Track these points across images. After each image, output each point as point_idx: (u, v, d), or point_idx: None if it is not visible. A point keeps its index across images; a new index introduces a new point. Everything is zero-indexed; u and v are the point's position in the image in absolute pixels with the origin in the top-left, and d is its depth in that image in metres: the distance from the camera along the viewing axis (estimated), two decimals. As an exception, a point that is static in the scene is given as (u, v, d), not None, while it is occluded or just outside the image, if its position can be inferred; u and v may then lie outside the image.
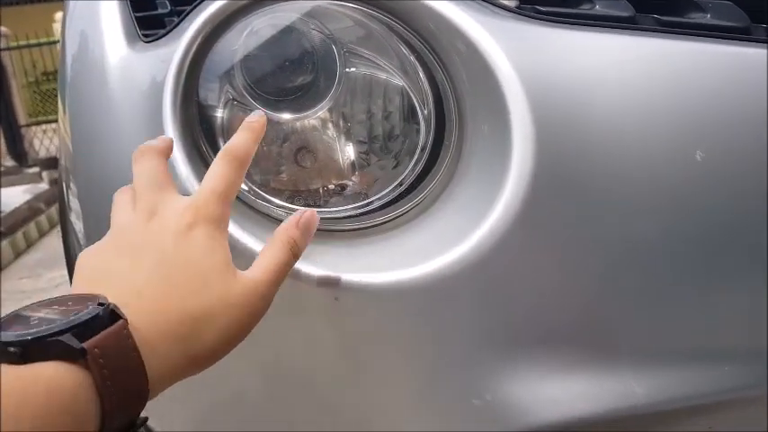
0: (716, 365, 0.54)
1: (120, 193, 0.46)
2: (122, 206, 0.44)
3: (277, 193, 0.54)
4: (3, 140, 5.86)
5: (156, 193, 0.43)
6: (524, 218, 0.49)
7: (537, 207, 0.49)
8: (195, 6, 0.55)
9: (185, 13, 0.56)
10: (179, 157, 0.52)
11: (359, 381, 0.54)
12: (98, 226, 0.60)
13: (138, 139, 0.54)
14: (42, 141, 5.94)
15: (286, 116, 0.55)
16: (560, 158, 0.49)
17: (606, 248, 0.51)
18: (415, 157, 0.55)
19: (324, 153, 0.56)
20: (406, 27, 0.54)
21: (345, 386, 0.54)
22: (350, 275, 0.49)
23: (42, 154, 5.79)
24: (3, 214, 3.65)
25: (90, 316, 0.33)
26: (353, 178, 0.56)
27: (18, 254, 3.36)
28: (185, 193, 0.48)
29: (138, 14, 0.60)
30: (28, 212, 3.79)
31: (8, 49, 6.09)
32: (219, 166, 0.44)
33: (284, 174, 0.55)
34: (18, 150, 5.79)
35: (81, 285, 0.39)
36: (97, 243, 0.43)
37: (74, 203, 0.64)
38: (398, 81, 0.55)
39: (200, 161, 0.54)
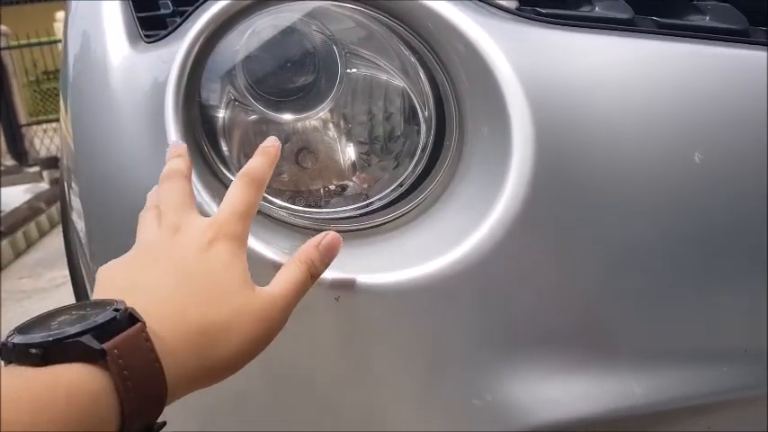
0: (715, 366, 0.54)
1: (146, 211, 0.48)
2: (147, 224, 0.46)
3: (278, 193, 0.54)
4: (3, 140, 5.85)
5: (180, 211, 0.45)
6: (524, 218, 0.49)
7: (537, 208, 0.49)
8: (197, 7, 0.55)
9: (187, 14, 0.56)
10: (180, 157, 0.53)
11: (359, 380, 0.54)
12: (100, 225, 0.60)
13: (141, 139, 0.55)
14: (43, 141, 5.93)
15: (287, 117, 0.55)
16: (560, 159, 0.49)
17: (606, 249, 0.51)
18: (416, 157, 0.55)
19: (325, 154, 0.56)
20: (406, 28, 0.54)
21: (346, 386, 0.55)
22: (350, 275, 0.50)
23: (43, 153, 5.79)
24: (3, 214, 3.65)
25: (108, 318, 0.34)
26: (354, 179, 0.57)
27: (18, 253, 3.36)
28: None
29: (140, 15, 0.60)
30: (28, 212, 3.79)
31: (9, 48, 6.08)
32: (238, 188, 0.46)
33: (285, 174, 0.55)
34: (18, 150, 5.79)
35: (103, 294, 0.40)
36: (120, 257, 0.44)
37: (75, 203, 0.64)
38: (399, 82, 0.55)
39: (202, 161, 0.54)
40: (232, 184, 0.46)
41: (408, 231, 0.54)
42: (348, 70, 0.55)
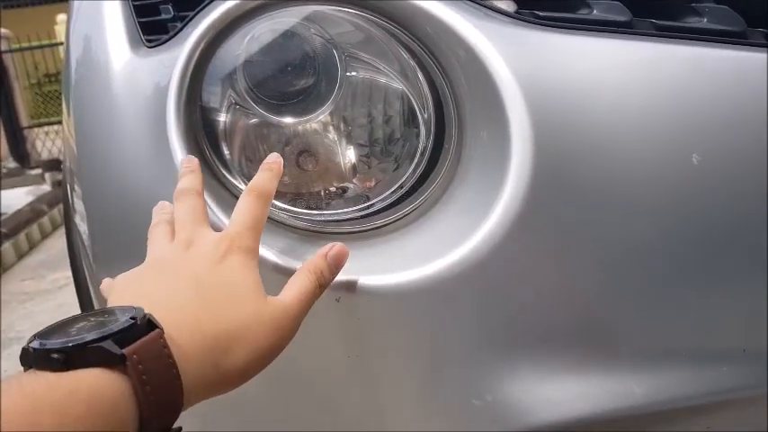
0: (715, 366, 0.54)
1: (155, 226, 0.49)
2: (159, 239, 0.48)
3: (279, 195, 0.55)
4: (5, 142, 5.86)
5: (194, 226, 0.47)
6: (523, 220, 0.49)
7: (536, 209, 0.49)
8: (198, 12, 0.56)
9: (188, 19, 0.57)
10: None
11: (360, 381, 0.54)
12: (102, 227, 0.60)
13: (143, 143, 0.55)
14: (45, 143, 5.93)
15: (288, 120, 0.56)
16: (559, 161, 0.50)
17: (605, 250, 0.51)
18: (416, 160, 0.55)
19: (325, 156, 0.57)
20: (405, 32, 0.54)
21: (346, 386, 0.55)
22: (351, 277, 0.50)
23: (45, 156, 5.79)
24: (6, 216, 3.66)
25: (128, 324, 0.35)
26: (354, 181, 0.57)
27: (21, 255, 3.36)
28: None
29: (141, 20, 0.60)
30: (30, 214, 3.79)
31: (10, 51, 6.09)
32: (247, 202, 0.47)
33: (286, 177, 0.55)
34: (20, 152, 5.79)
35: (118, 303, 0.41)
36: (132, 270, 0.46)
37: (78, 205, 0.64)
38: (398, 85, 0.55)
39: (204, 164, 0.54)
40: (240, 198, 0.48)
41: (408, 233, 0.55)
42: (348, 73, 0.55)
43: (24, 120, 6.07)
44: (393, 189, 0.56)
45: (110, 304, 0.43)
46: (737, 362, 0.54)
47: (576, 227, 0.50)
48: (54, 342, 0.33)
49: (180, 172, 0.51)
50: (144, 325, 0.36)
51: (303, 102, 0.55)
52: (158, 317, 0.37)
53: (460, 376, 0.52)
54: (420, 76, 0.55)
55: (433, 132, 0.55)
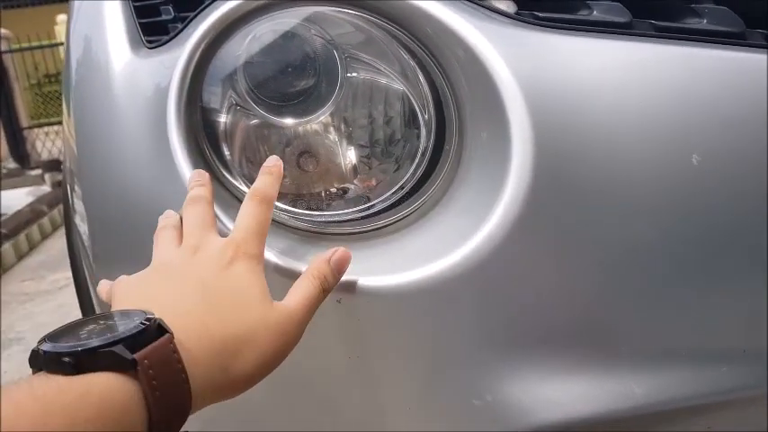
0: (715, 366, 0.54)
1: (162, 231, 0.50)
2: (165, 244, 0.48)
3: (280, 196, 0.55)
4: (5, 142, 5.86)
5: (201, 232, 0.47)
6: (524, 221, 0.49)
7: (536, 210, 0.49)
8: (198, 13, 0.56)
9: (189, 20, 0.57)
10: (182, 161, 0.53)
11: (360, 382, 0.54)
12: (102, 228, 0.60)
13: (143, 143, 0.55)
14: (45, 144, 5.93)
15: (288, 121, 0.56)
16: (559, 162, 0.50)
17: (605, 250, 0.51)
18: (416, 161, 0.55)
19: (326, 157, 0.57)
20: (406, 33, 0.54)
21: (347, 387, 0.55)
22: (352, 278, 0.50)
23: (45, 156, 5.78)
24: (5, 217, 3.66)
25: (139, 329, 0.35)
26: (355, 182, 0.57)
27: (20, 256, 3.36)
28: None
29: (141, 20, 0.61)
30: (30, 215, 3.79)
31: (10, 51, 6.09)
32: (250, 207, 0.48)
33: (287, 178, 0.55)
34: (20, 152, 5.79)
35: (126, 306, 0.41)
36: (137, 274, 0.46)
37: (78, 206, 0.64)
38: (399, 86, 0.55)
39: (204, 165, 0.55)
40: (243, 203, 0.48)
41: (409, 234, 0.55)
42: (348, 74, 0.55)
43: (24, 120, 6.07)
44: (394, 190, 0.56)
45: (116, 307, 0.43)
46: (738, 362, 0.54)
47: (576, 227, 0.50)
48: (64, 345, 0.34)
49: (190, 185, 0.51)
50: (154, 329, 0.36)
51: (304, 103, 0.55)
52: (166, 321, 0.37)
53: (461, 377, 0.52)
54: (420, 76, 0.55)
55: (433, 133, 0.55)
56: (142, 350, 0.34)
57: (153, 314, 0.37)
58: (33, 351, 0.34)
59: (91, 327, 0.36)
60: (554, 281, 0.51)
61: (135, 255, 0.49)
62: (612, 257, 0.51)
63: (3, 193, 4.43)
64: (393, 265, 0.51)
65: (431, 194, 0.55)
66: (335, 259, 0.48)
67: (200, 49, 0.54)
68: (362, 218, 0.56)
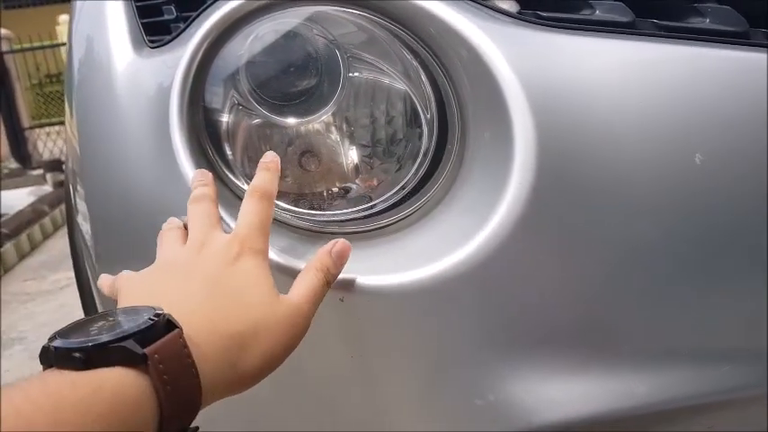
0: (716, 365, 0.54)
1: (167, 231, 0.50)
2: (170, 242, 0.48)
3: (281, 195, 0.55)
4: (6, 143, 5.87)
5: (207, 229, 0.47)
6: (526, 221, 0.49)
7: (539, 210, 0.49)
8: (201, 13, 0.56)
9: (191, 20, 0.57)
10: (185, 161, 0.53)
11: (362, 381, 0.54)
12: (105, 228, 0.61)
13: (146, 143, 0.55)
14: (46, 144, 5.94)
15: (290, 120, 0.56)
16: (562, 162, 0.50)
17: (608, 250, 0.51)
18: (418, 160, 0.55)
19: (328, 157, 0.57)
20: (408, 32, 0.54)
21: (349, 386, 0.55)
22: (354, 277, 0.50)
23: (46, 156, 5.79)
24: (7, 217, 3.66)
25: (149, 324, 0.35)
26: (357, 181, 0.57)
27: (22, 256, 3.36)
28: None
29: (144, 20, 0.61)
30: (32, 215, 3.79)
31: (11, 51, 6.10)
32: (251, 204, 0.48)
33: (289, 177, 0.56)
34: (22, 153, 5.80)
35: (132, 303, 0.41)
36: (142, 271, 0.46)
37: (81, 206, 0.64)
38: (401, 86, 0.55)
39: (206, 165, 0.55)
40: (244, 201, 0.48)
41: (411, 234, 0.55)
42: (350, 74, 0.55)
43: (26, 120, 6.07)
44: (395, 189, 0.56)
45: (122, 304, 0.43)
46: (739, 361, 0.54)
47: (578, 227, 0.50)
48: (75, 341, 0.34)
49: (193, 185, 0.51)
50: (163, 325, 0.36)
51: (306, 102, 0.55)
52: (176, 317, 0.37)
53: (463, 376, 0.52)
54: (423, 76, 0.55)
55: (435, 133, 0.55)
56: (152, 345, 0.34)
57: (162, 310, 0.37)
58: (44, 347, 0.34)
59: (100, 323, 0.36)
60: (556, 280, 0.51)
61: (138, 254, 0.49)
62: (615, 257, 0.51)
63: (4, 192, 4.43)
64: (395, 265, 0.51)
65: (433, 194, 0.55)
66: (336, 251, 0.48)
67: (203, 49, 0.54)
68: (364, 217, 0.56)
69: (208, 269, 0.44)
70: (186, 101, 0.54)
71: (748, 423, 0.58)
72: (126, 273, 0.48)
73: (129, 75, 0.58)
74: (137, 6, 0.62)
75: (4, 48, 6.01)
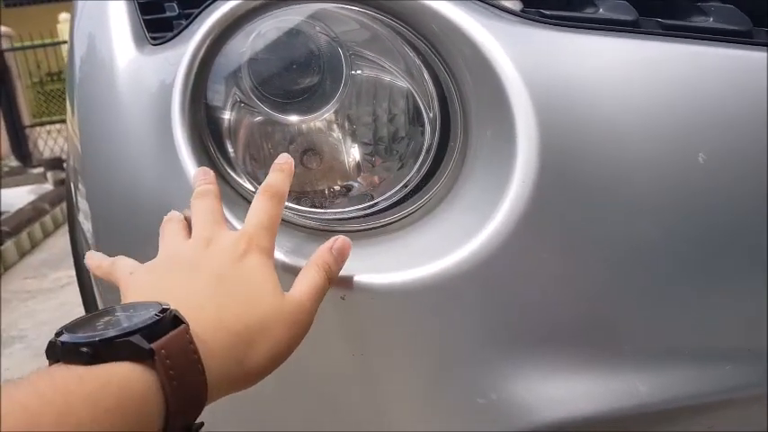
0: (718, 365, 0.54)
1: (168, 222, 0.50)
2: (173, 235, 0.48)
3: (283, 194, 0.55)
4: (7, 141, 5.87)
5: (213, 225, 0.48)
6: (529, 219, 0.49)
7: (541, 208, 0.49)
8: (203, 10, 0.56)
9: (193, 17, 0.57)
10: (187, 158, 0.53)
11: (364, 379, 0.54)
12: (106, 226, 0.60)
13: (147, 141, 0.55)
14: (47, 142, 5.94)
15: (292, 118, 0.56)
16: (564, 160, 0.50)
17: (610, 249, 0.51)
18: (420, 158, 0.55)
19: (330, 155, 0.57)
20: (411, 30, 0.54)
21: (351, 385, 0.55)
22: (356, 275, 0.50)
23: (47, 154, 5.79)
24: (7, 215, 3.66)
25: (156, 319, 0.35)
26: (359, 179, 0.57)
27: (23, 254, 3.36)
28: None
29: (146, 17, 0.60)
30: (32, 213, 3.79)
31: (12, 49, 6.10)
32: (262, 202, 0.48)
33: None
34: (22, 151, 5.80)
35: (138, 298, 0.41)
36: (147, 264, 0.46)
37: (82, 204, 0.64)
38: (403, 83, 0.55)
39: (208, 162, 0.55)
40: (255, 198, 0.49)
41: (413, 232, 0.55)
42: (353, 72, 0.55)
43: (26, 118, 6.08)
44: (398, 187, 0.56)
45: (126, 297, 0.44)
46: (740, 361, 0.54)
47: (581, 225, 0.50)
48: (82, 336, 0.34)
49: (196, 183, 0.51)
50: (169, 320, 0.36)
51: (308, 100, 0.55)
52: (183, 313, 0.37)
53: (465, 374, 0.52)
54: (425, 74, 0.55)
55: (438, 131, 0.55)
56: (159, 340, 0.34)
57: (168, 305, 0.37)
58: (50, 342, 0.35)
59: (107, 318, 0.36)
60: (558, 278, 0.51)
61: (139, 252, 0.49)
62: (617, 255, 0.51)
63: (5, 191, 4.44)
64: (398, 263, 0.51)
65: (435, 192, 0.55)
66: (337, 248, 0.49)
67: (205, 46, 0.54)
68: (366, 215, 0.56)
69: (214, 265, 0.44)
70: (188, 98, 0.54)
71: (749, 423, 0.58)
72: (124, 260, 0.48)
73: (131, 72, 0.58)
74: (139, 3, 0.61)
75: (5, 46, 6.01)
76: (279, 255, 0.51)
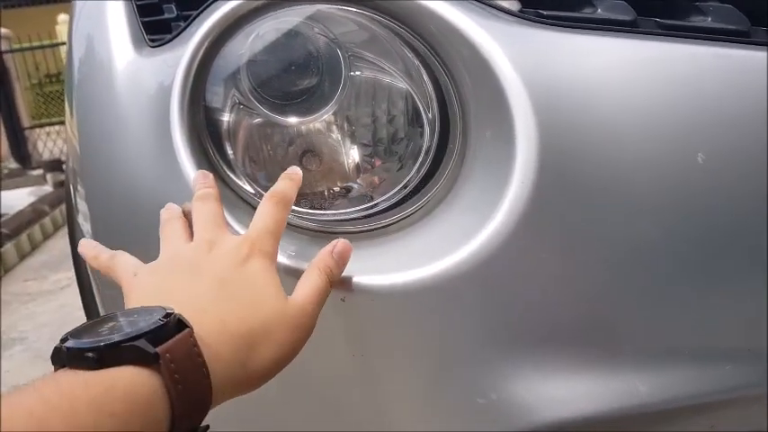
0: (718, 364, 0.54)
1: (169, 222, 0.50)
2: (175, 237, 0.48)
3: (283, 195, 0.55)
4: (6, 143, 5.86)
5: (215, 228, 0.48)
6: (528, 219, 0.49)
7: (540, 208, 0.49)
8: (201, 11, 0.56)
9: (192, 18, 0.57)
10: (186, 160, 0.53)
11: (365, 380, 0.54)
12: (106, 227, 0.60)
13: (146, 143, 0.55)
14: (46, 144, 5.93)
15: (291, 120, 0.56)
16: (564, 160, 0.50)
17: (609, 249, 0.51)
18: (420, 159, 0.55)
19: (329, 156, 0.57)
20: (409, 31, 0.54)
21: (351, 386, 0.55)
22: (356, 276, 0.50)
23: (46, 156, 5.79)
24: (7, 217, 3.66)
25: (160, 324, 0.36)
26: (358, 181, 0.57)
27: (23, 256, 3.36)
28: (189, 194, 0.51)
29: (144, 19, 0.60)
30: (32, 215, 3.79)
31: (11, 51, 6.09)
32: (268, 207, 0.49)
33: (291, 177, 0.55)
34: (22, 153, 5.79)
35: (141, 301, 0.42)
36: (148, 265, 0.47)
37: (81, 205, 0.64)
38: (402, 85, 0.55)
39: (207, 164, 0.55)
40: (261, 203, 0.49)
41: (413, 233, 0.55)
42: (351, 73, 0.55)
43: (25, 120, 6.07)
44: (397, 189, 0.56)
45: (128, 300, 0.44)
46: (740, 361, 0.54)
47: (580, 225, 0.50)
48: (87, 341, 0.34)
49: (196, 187, 0.51)
50: (174, 324, 0.36)
51: (307, 101, 0.55)
52: (186, 316, 0.38)
53: (465, 375, 0.52)
54: (424, 75, 0.55)
55: (437, 132, 0.55)
56: (164, 344, 0.35)
57: (172, 309, 0.37)
58: (56, 348, 0.35)
59: (111, 324, 0.36)
60: (558, 279, 0.51)
61: (138, 253, 0.49)
62: (617, 256, 0.51)
63: (4, 193, 4.44)
64: (397, 264, 0.51)
65: (435, 193, 0.55)
66: (338, 251, 0.49)
67: (204, 48, 0.54)
68: (366, 217, 0.56)
69: (217, 269, 0.44)
70: (187, 100, 0.54)
71: (750, 423, 0.58)
72: (125, 257, 0.48)
73: (130, 74, 0.58)
74: (137, 5, 0.61)
75: (4, 47, 6.01)
76: (279, 257, 0.50)
